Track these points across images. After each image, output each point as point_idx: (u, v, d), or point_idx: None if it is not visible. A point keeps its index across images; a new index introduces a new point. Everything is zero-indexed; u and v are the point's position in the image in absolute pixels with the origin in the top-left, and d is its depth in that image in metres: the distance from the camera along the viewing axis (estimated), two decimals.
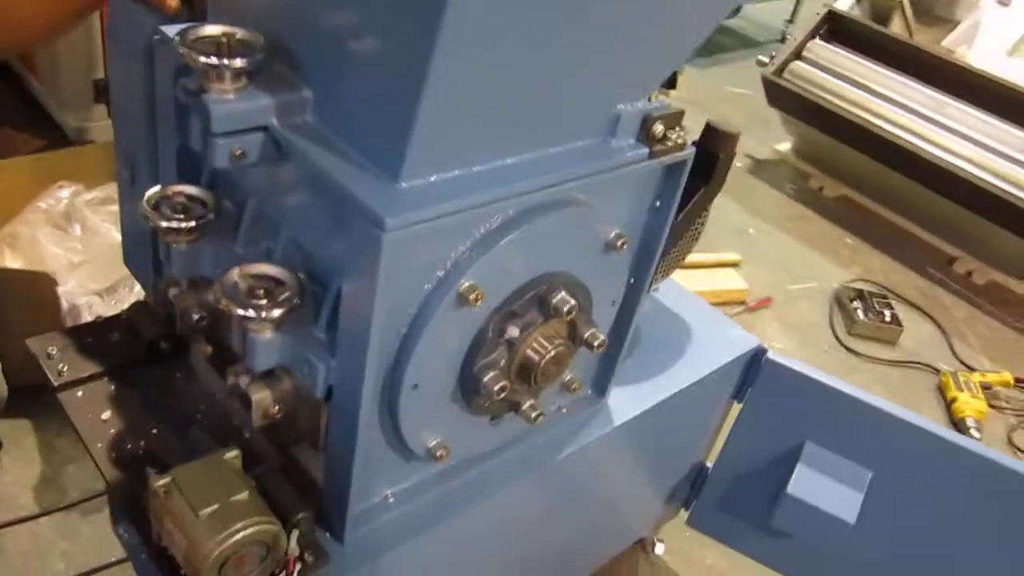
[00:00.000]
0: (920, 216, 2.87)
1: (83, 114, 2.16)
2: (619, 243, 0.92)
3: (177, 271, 0.91)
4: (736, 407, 1.42)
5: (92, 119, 2.16)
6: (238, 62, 0.72)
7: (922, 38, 3.09)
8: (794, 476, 1.33)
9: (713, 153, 1.00)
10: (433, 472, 0.97)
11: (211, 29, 0.75)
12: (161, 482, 0.77)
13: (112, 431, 0.94)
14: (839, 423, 1.34)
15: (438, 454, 0.89)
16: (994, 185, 2.59)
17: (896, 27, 3.09)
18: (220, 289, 0.78)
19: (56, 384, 0.97)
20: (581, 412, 1.12)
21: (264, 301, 0.78)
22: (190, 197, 0.89)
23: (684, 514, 1.56)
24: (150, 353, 1.03)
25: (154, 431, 0.95)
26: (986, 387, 2.18)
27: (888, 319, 2.35)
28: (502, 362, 0.87)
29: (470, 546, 1.05)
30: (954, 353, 2.38)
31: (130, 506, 0.86)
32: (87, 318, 1.41)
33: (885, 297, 2.44)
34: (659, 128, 0.88)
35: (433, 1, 0.60)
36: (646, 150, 0.88)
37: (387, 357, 0.79)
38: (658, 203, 0.98)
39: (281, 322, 0.78)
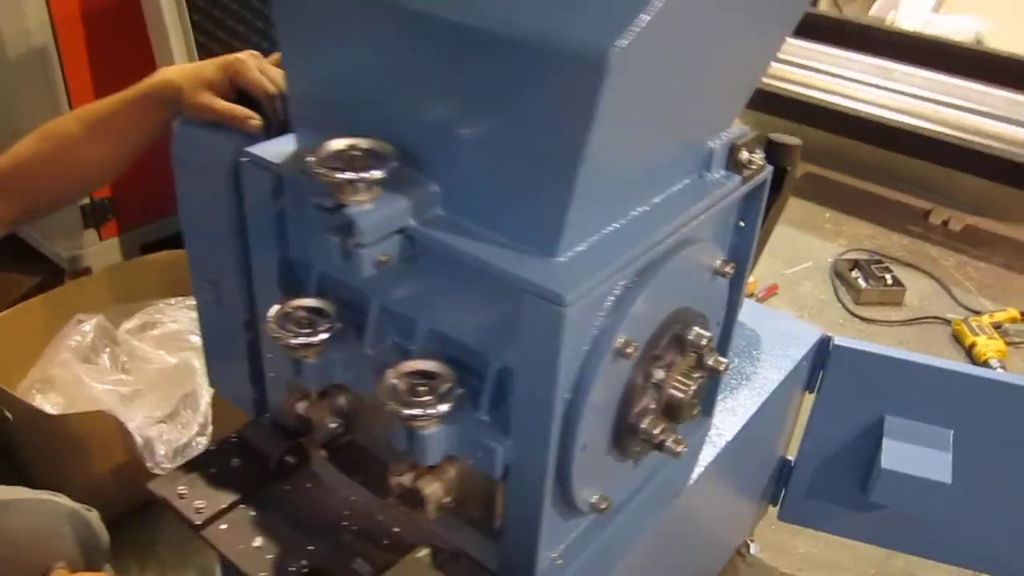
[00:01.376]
0: (887, 177, 2.99)
1: (74, 242, 2.11)
2: (726, 269, 0.95)
3: (312, 384, 0.91)
4: (808, 397, 1.47)
5: (85, 245, 2.12)
6: (377, 174, 0.73)
7: (852, 10, 3.23)
8: (884, 450, 1.37)
9: (781, 167, 1.04)
10: (587, 523, 0.98)
11: (336, 144, 0.76)
12: None
13: (269, 556, 0.93)
14: (913, 392, 1.39)
15: (601, 507, 0.91)
16: (949, 135, 2.72)
17: (824, 5, 3.22)
18: (383, 393, 0.79)
19: (199, 523, 0.95)
20: (695, 435, 1.15)
21: (428, 397, 0.79)
22: (308, 309, 0.90)
23: (772, 510, 1.59)
24: (276, 470, 1.02)
25: (309, 547, 0.94)
26: (997, 326, 2.27)
27: (890, 282, 2.43)
28: (652, 405, 0.89)
29: None
30: (956, 301, 2.47)
31: None
32: (162, 449, 1.38)
33: (880, 262, 2.53)
34: (744, 155, 0.92)
35: (589, 93, 0.63)
36: (738, 178, 0.92)
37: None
38: (742, 223, 1.02)
39: (446, 415, 0.79)
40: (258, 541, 0.95)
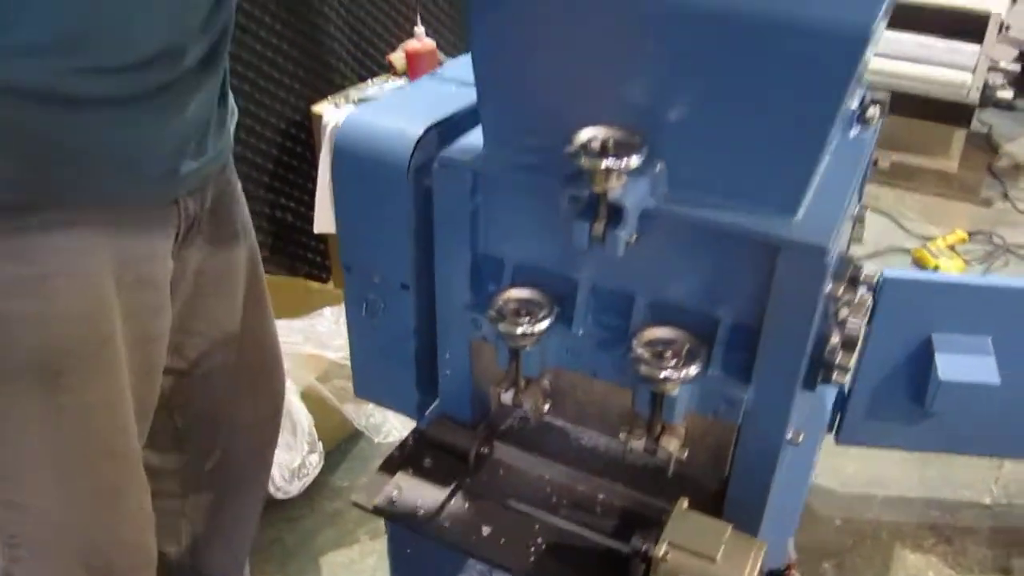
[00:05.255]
0: None
1: None
2: (863, 213, 1.06)
3: (532, 369, 0.95)
4: None
5: None
6: (636, 160, 0.79)
7: None
8: (938, 364, 1.53)
9: None
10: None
11: (585, 134, 0.81)
12: (663, 549, 0.83)
13: (504, 540, 0.97)
14: (953, 309, 1.56)
15: (798, 440, 1.00)
16: None
17: None
18: (637, 361, 0.85)
19: (426, 521, 0.99)
20: None
21: (674, 360, 0.85)
22: (518, 300, 0.94)
23: (828, 436, 1.74)
24: (476, 462, 1.06)
25: (535, 526, 0.99)
26: (951, 248, 2.52)
27: None
28: (836, 339, 0.99)
29: None
30: (907, 231, 2.72)
31: None
32: (278, 473, 1.38)
33: None
34: (869, 111, 1.03)
35: (848, 64, 0.72)
36: (871, 128, 1.03)
37: None
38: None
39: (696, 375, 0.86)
40: (486, 530, 0.99)
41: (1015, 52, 2.96)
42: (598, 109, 0.83)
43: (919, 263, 2.53)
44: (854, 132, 1.01)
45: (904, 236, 2.68)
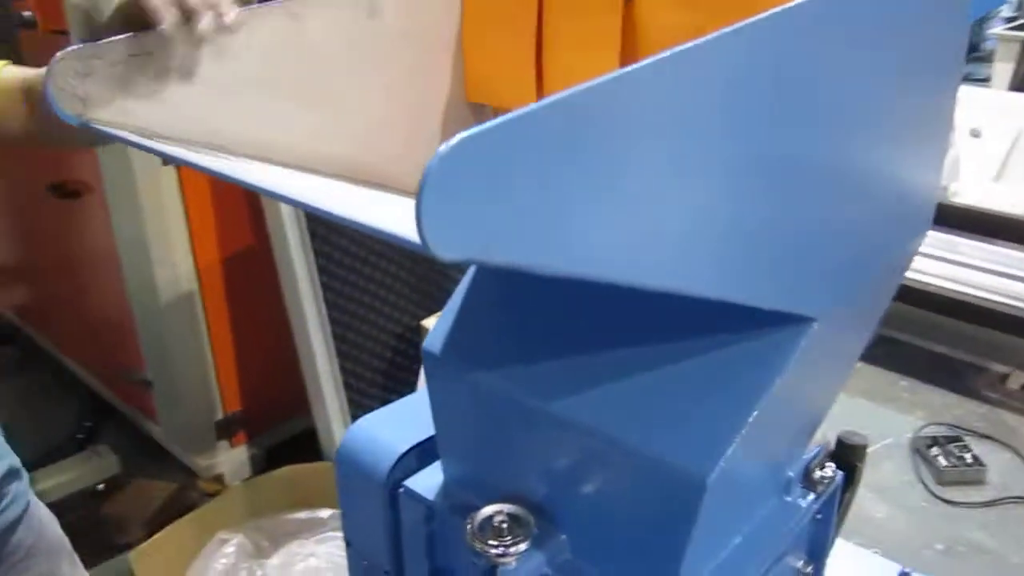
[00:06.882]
0: (962, 342, 3.08)
1: (209, 454, 2.38)
2: (807, 570, 1.11)
3: None
4: None
5: (218, 456, 2.38)
6: (522, 547, 0.92)
7: None
8: None
9: (851, 464, 1.20)
10: None
11: (487, 511, 0.96)
12: None
13: None
14: None
15: None
16: (1016, 307, 2.82)
17: None
18: None
19: None
20: None
21: None
22: None
23: None
24: None
25: None
26: None
27: (969, 461, 2.50)
28: None
29: None
30: None
31: None
32: None
33: (959, 439, 2.60)
34: (817, 473, 1.09)
35: (688, 504, 0.82)
36: (813, 495, 1.09)
37: None
38: (819, 515, 1.17)
39: None
40: None
41: None
42: (507, 488, 0.98)
43: None
44: (791, 498, 1.08)
45: None
